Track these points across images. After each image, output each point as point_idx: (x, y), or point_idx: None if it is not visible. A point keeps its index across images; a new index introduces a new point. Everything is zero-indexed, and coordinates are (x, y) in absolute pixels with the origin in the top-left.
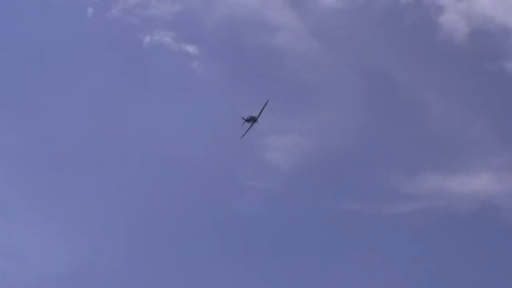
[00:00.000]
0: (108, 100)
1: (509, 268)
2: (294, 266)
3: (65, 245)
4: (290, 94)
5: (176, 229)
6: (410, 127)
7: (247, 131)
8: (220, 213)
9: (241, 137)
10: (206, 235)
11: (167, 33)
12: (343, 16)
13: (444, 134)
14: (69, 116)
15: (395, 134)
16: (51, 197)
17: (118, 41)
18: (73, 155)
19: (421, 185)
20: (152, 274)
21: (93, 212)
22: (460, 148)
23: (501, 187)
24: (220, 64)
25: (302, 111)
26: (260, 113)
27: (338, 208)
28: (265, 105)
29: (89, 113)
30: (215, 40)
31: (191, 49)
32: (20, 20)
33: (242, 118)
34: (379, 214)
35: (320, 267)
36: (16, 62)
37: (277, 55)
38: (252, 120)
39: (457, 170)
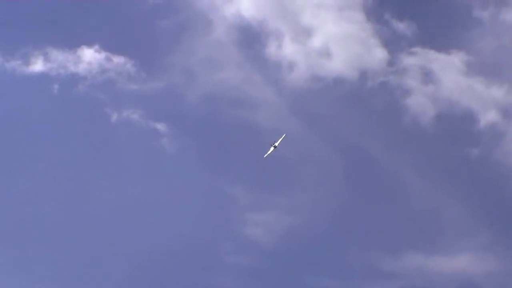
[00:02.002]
0: (74, 178)
1: None
2: None
3: None
4: (270, 170)
5: None
6: (390, 205)
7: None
8: None
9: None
10: None
11: (136, 111)
12: (315, 96)
13: (423, 213)
14: (32, 193)
15: (375, 212)
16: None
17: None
18: (35, 233)
19: (401, 263)
20: None
21: None
22: (440, 228)
23: (480, 267)
24: (196, 141)
25: (282, 188)
26: (280, 141)
27: (319, 285)
28: (283, 137)
29: (54, 191)
30: (193, 117)
31: (160, 126)
32: None
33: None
34: None
35: None
36: None
37: (257, 132)
38: (274, 146)
39: (437, 250)
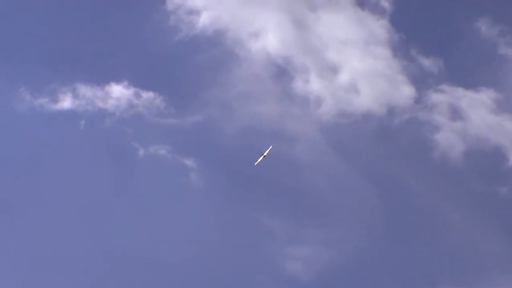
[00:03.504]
0: (100, 211)
1: None
2: None
3: None
4: (308, 204)
5: None
6: (427, 238)
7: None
8: None
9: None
10: None
11: (163, 146)
12: (345, 130)
13: (461, 247)
14: (60, 227)
15: (413, 245)
16: None
17: (110, 152)
18: (61, 265)
19: None
20: None
21: None
22: (478, 262)
23: None
24: (229, 175)
25: (319, 221)
26: (267, 152)
27: None
28: (270, 148)
29: (81, 225)
30: (228, 150)
31: (188, 161)
32: (14, 133)
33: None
34: None
35: None
36: (8, 173)
37: (293, 165)
38: (263, 156)
39: (477, 284)
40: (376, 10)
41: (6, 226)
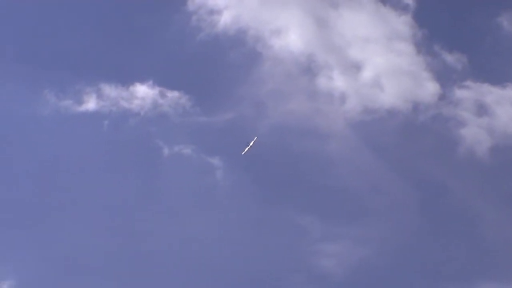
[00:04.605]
0: (127, 211)
1: None
2: None
3: None
4: (341, 201)
5: None
6: (462, 234)
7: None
8: None
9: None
10: None
11: (188, 145)
12: (372, 127)
13: (496, 242)
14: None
15: (447, 242)
16: None
17: (135, 151)
18: (88, 266)
19: None
20: None
21: None
22: None
23: None
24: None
25: (353, 218)
26: (253, 142)
27: None
28: (255, 139)
29: (107, 225)
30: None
31: (214, 160)
32: (39, 137)
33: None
34: None
35: None
36: (34, 177)
37: (327, 162)
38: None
39: None
40: (398, 6)
41: (34, 229)
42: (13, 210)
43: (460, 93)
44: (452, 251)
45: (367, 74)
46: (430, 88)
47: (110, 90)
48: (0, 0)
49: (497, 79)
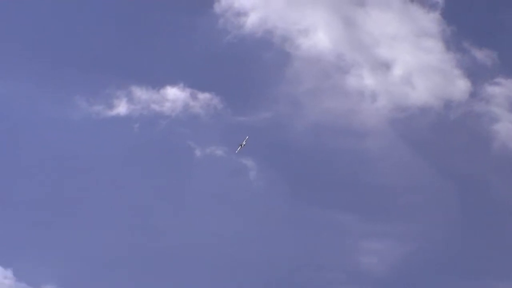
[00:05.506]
0: (159, 212)
1: None
2: None
3: None
4: (381, 198)
5: None
6: (502, 231)
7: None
8: None
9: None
10: None
11: (220, 147)
12: (405, 124)
13: None
14: (121, 228)
15: (489, 238)
16: None
17: (166, 153)
18: (122, 269)
19: None
20: None
21: None
22: None
23: None
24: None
25: (393, 215)
26: (244, 141)
27: None
28: (246, 138)
29: (141, 226)
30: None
31: (247, 161)
32: (72, 142)
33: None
34: None
35: None
36: (67, 184)
37: (364, 160)
38: (241, 145)
39: None
40: (426, 3)
41: (69, 233)
42: (48, 214)
43: (491, 90)
44: (493, 246)
45: (396, 72)
46: (461, 85)
47: (141, 93)
48: (31, 7)
49: None
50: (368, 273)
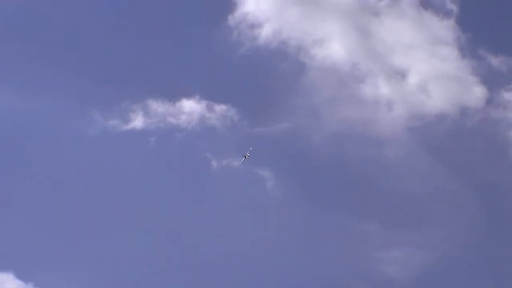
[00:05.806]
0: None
1: None
2: None
3: None
4: (401, 206)
5: None
6: None
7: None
8: None
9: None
10: None
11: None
12: (421, 132)
13: None
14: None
15: (509, 245)
16: None
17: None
18: (137, 277)
19: None
20: None
21: None
22: None
23: None
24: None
25: (413, 223)
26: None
27: None
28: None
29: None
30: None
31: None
32: (86, 156)
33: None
34: None
35: None
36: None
37: (384, 168)
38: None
39: None
40: (440, 11)
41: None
42: (68, 229)
43: (507, 96)
44: None
45: (412, 80)
46: (477, 92)
47: (157, 107)
48: (46, 24)
49: None
50: (390, 281)
